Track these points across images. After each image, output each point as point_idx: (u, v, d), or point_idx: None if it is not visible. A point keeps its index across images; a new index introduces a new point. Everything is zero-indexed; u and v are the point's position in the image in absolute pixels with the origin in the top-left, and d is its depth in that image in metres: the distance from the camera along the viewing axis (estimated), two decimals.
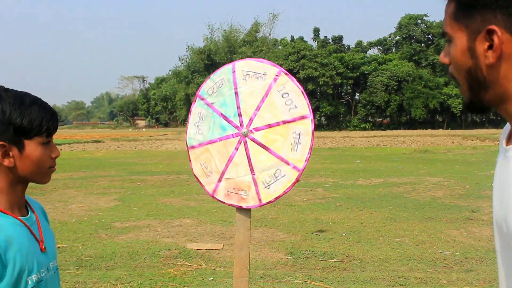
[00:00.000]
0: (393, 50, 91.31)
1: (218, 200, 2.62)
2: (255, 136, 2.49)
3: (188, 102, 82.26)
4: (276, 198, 2.52)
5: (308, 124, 2.48)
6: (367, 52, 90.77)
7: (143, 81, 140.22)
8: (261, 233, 8.09)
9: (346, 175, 16.15)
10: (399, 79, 77.94)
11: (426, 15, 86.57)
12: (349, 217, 9.24)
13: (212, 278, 5.98)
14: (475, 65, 1.21)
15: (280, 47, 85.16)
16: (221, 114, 2.56)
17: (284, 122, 2.47)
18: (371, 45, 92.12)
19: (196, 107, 2.65)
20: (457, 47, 1.24)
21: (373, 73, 79.75)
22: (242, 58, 2.73)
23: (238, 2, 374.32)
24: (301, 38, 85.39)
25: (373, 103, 78.92)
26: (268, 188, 2.48)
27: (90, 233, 8.29)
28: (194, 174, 2.70)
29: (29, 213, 1.66)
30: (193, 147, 2.62)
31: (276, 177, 2.47)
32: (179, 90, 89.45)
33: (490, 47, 1.17)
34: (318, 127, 74.07)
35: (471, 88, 1.26)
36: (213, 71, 2.75)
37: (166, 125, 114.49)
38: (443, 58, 1.31)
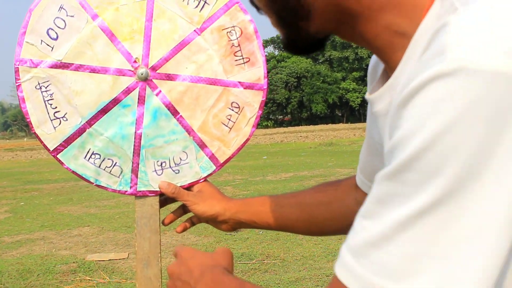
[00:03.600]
0: None
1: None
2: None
3: None
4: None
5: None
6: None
7: None
8: (169, 237, 7.33)
9: (254, 172, 15.62)
10: (298, 75, 79.28)
11: None
12: None
13: None
14: None
15: None
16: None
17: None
18: (266, 42, 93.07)
19: None
20: None
21: (272, 70, 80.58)
22: None
23: None
24: None
25: (274, 100, 79.80)
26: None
27: None
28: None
29: None
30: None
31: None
32: None
33: None
34: None
35: (286, 20, 0.80)
36: None
37: None
38: None
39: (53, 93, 1.47)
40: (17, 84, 1.46)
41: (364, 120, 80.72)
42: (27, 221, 9.41)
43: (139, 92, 1.50)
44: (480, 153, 0.53)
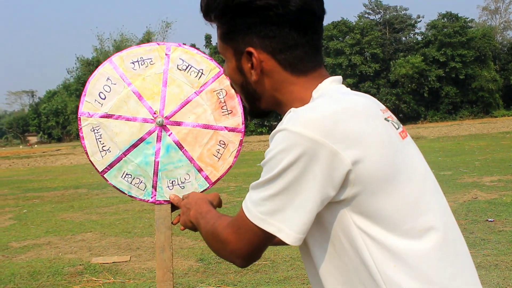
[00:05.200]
0: None
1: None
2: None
3: None
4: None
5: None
6: None
7: (33, 96, 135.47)
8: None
9: (248, 179, 16.02)
10: None
11: None
12: None
13: None
14: (245, 81, 1.46)
15: None
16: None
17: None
18: None
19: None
20: (229, 65, 1.48)
21: None
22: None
23: (129, 11, 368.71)
24: (193, 45, 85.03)
25: None
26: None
27: None
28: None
29: None
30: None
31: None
32: (69, 103, 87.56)
33: (253, 65, 1.40)
34: None
35: (248, 99, 1.51)
36: None
37: (59, 140, 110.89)
38: (224, 74, 1.56)
39: (101, 134, 2.21)
40: (79, 128, 2.20)
41: None
42: (32, 228, 9.92)
43: (157, 133, 2.23)
44: (291, 165, 1.20)
